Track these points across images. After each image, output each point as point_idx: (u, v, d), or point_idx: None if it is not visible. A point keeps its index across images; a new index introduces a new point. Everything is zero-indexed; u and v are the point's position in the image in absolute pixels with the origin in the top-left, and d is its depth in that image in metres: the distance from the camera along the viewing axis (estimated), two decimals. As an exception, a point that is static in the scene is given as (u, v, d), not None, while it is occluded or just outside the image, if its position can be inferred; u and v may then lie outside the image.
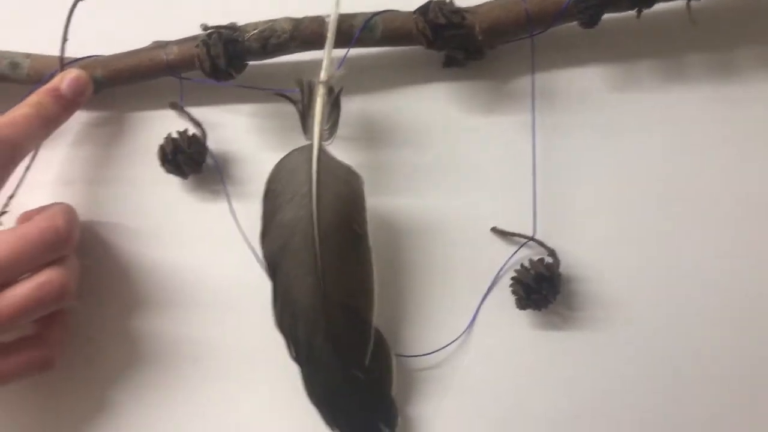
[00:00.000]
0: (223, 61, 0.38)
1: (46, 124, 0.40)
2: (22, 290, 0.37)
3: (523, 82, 0.42)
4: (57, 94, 0.40)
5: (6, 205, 0.41)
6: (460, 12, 0.38)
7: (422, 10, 0.38)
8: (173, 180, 0.43)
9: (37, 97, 0.40)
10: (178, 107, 0.43)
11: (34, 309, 0.37)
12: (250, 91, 0.42)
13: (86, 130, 0.44)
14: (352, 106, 0.42)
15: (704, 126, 0.42)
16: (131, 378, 0.43)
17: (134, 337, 0.43)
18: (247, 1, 0.42)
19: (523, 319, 0.42)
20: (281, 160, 0.39)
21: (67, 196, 0.43)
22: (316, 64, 0.39)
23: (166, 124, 0.43)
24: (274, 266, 0.39)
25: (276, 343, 0.39)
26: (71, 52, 0.41)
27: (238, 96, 0.43)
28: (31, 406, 0.44)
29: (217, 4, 0.43)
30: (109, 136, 0.44)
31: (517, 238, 0.41)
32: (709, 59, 0.42)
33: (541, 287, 0.39)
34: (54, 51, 0.41)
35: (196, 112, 0.43)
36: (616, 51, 0.42)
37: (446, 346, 0.42)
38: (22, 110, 0.39)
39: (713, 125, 0.42)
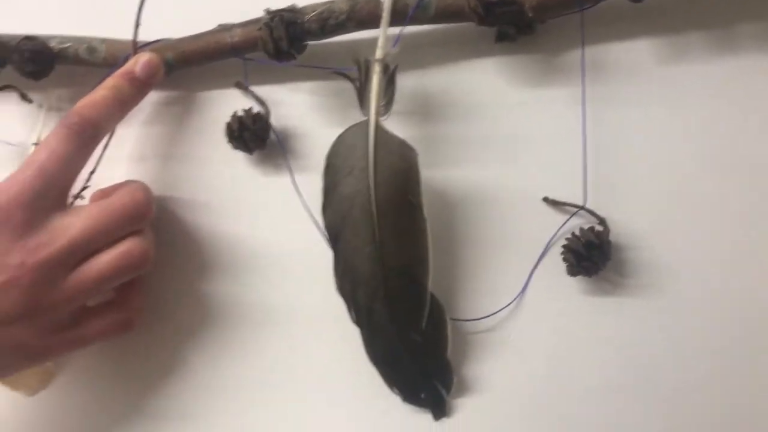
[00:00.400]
0: (285, 42, 0.40)
1: (123, 105, 0.42)
2: (107, 258, 0.40)
3: (573, 56, 0.43)
4: (132, 77, 0.42)
5: (87, 180, 0.44)
6: (511, -11, 0.39)
7: (474, -12, 0.39)
8: (239, 155, 0.45)
9: (114, 80, 0.42)
10: (242, 87, 0.45)
11: (117, 275, 0.41)
12: (310, 70, 0.44)
13: (158, 109, 0.47)
14: (406, 81, 0.43)
15: (754, 97, 0.42)
16: (200, 339, 0.46)
17: (204, 302, 0.46)
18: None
19: (574, 285, 0.43)
20: (340, 136, 0.41)
21: (140, 172, 0.46)
22: (372, 42, 0.41)
23: (232, 102, 0.45)
24: (335, 236, 0.41)
25: (337, 307, 0.41)
26: (143, 36, 0.43)
27: (299, 75, 0.45)
28: (108, 367, 0.47)
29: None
30: (178, 115, 0.46)
31: (568, 208, 0.43)
32: (760, 30, 0.42)
33: (592, 255, 0.41)
34: (127, 35, 0.43)
35: (259, 90, 0.45)
36: (666, 23, 0.42)
37: (499, 310, 0.43)
38: (101, 93, 0.42)
39: (763, 96, 0.42)
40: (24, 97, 0.46)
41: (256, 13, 0.43)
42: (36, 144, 0.46)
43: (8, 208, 0.38)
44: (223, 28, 0.43)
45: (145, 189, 0.43)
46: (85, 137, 0.41)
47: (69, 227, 0.40)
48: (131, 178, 0.46)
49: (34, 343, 0.40)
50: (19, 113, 0.47)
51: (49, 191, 0.40)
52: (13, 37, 0.44)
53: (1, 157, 0.47)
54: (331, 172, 0.41)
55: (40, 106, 0.47)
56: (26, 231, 0.38)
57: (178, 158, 0.46)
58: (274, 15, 0.40)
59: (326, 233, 0.41)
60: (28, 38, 0.43)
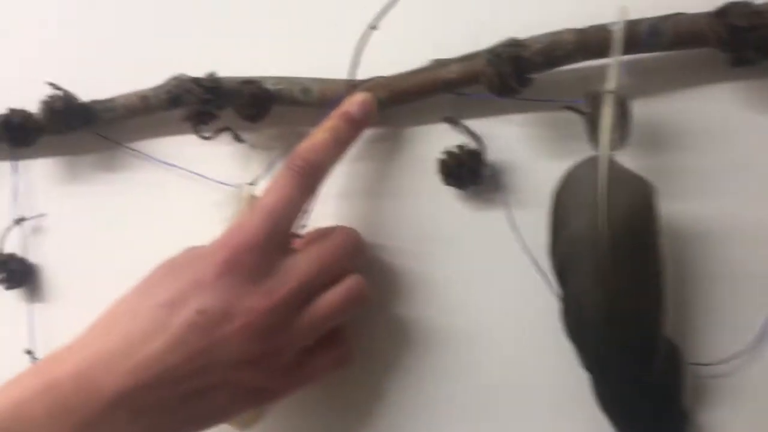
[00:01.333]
0: (513, 78, 0.39)
1: (341, 146, 0.43)
2: (333, 296, 0.41)
3: (822, 77, 0.39)
4: (348, 118, 0.42)
5: (304, 219, 0.44)
6: (761, 12, 0.36)
7: (720, 13, 0.37)
8: (448, 190, 0.44)
9: (331, 122, 0.42)
10: (454, 122, 0.44)
11: (345, 312, 0.41)
12: (521, 101, 0.43)
13: (366, 145, 0.46)
14: (634, 110, 0.41)
15: None
16: (407, 375, 0.46)
17: (413, 338, 0.45)
18: (517, 16, 0.42)
19: (826, 328, 0.39)
20: (568, 172, 0.39)
21: (350, 208, 0.47)
22: (590, 70, 0.39)
23: (440, 137, 0.44)
24: (562, 277, 0.39)
25: (557, 350, 0.40)
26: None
27: (509, 107, 0.43)
28: (315, 400, 0.47)
29: (484, 20, 0.44)
30: (387, 151, 0.46)
31: (817, 244, 0.39)
32: None
33: None
34: (334, 74, 0.44)
35: (469, 124, 0.44)
36: None
37: (738, 354, 0.40)
38: (321, 135, 0.42)
39: None
40: (238, 138, 0.47)
41: (464, 47, 0.42)
42: (251, 184, 0.46)
43: (240, 252, 0.39)
44: (439, 64, 0.42)
45: (354, 229, 0.44)
46: (309, 180, 0.41)
47: (295, 268, 0.40)
48: (342, 214, 0.46)
49: (264, 385, 0.41)
50: (231, 154, 0.49)
51: (277, 234, 0.40)
52: (230, 80, 0.45)
53: (217, 197, 0.48)
54: (559, 209, 0.39)
55: (253, 146, 0.48)
56: (258, 275, 0.39)
57: (387, 194, 0.46)
58: (498, 50, 0.39)
59: (553, 274, 0.40)
60: (248, 82, 0.44)
